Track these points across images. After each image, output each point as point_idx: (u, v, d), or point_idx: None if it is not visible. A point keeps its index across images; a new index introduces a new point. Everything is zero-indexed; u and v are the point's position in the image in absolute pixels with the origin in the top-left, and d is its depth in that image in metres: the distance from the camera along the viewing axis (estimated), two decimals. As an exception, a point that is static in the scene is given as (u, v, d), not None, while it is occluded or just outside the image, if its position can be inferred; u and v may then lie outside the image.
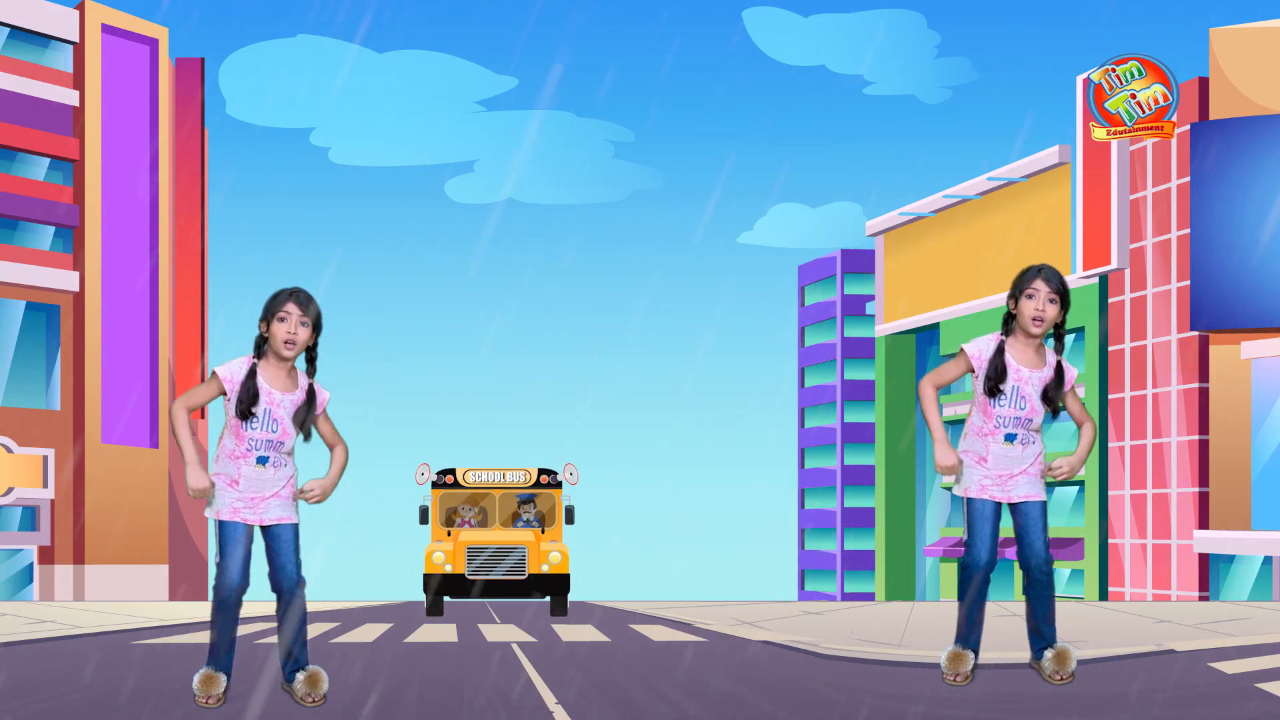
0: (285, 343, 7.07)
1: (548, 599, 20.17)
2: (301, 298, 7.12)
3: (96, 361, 45.44)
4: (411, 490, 20.34)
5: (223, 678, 7.20)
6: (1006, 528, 7.63)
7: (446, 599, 21.28)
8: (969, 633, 7.60)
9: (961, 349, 7.53)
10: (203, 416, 49.31)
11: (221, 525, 7.17)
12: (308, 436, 7.25)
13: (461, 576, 19.54)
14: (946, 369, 7.54)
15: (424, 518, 20.37)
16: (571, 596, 20.56)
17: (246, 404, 7.07)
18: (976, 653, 7.64)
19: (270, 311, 7.11)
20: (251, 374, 7.11)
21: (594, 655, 11.58)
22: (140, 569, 45.46)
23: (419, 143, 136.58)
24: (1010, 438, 7.40)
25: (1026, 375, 7.38)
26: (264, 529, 7.24)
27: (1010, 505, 7.51)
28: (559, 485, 20.57)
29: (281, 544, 7.23)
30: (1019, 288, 7.36)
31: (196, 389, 7.23)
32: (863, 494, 77.28)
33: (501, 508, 20.57)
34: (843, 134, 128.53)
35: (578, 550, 20.24)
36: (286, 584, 7.24)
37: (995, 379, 7.37)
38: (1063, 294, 7.33)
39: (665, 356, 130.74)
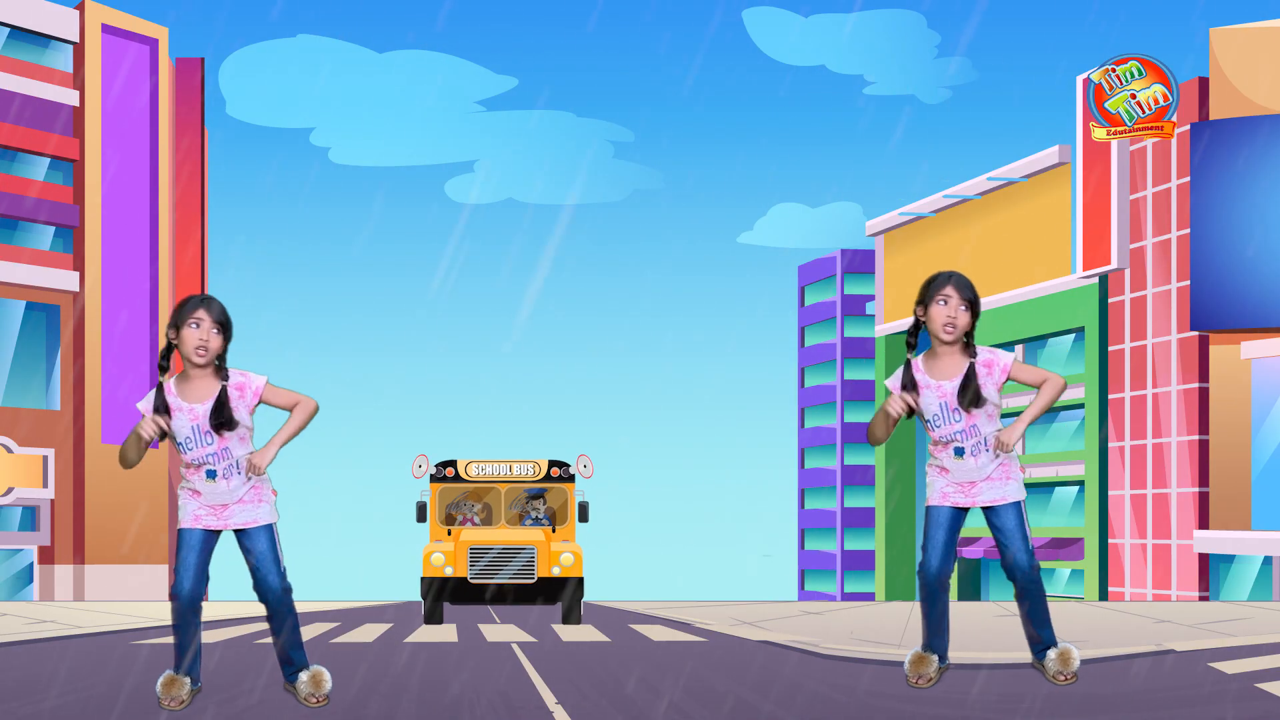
0: (196, 349, 6.93)
1: (559, 605, 18.32)
2: (213, 305, 6.99)
3: (96, 361, 45.43)
4: (410, 486, 18.47)
5: (186, 681, 7.12)
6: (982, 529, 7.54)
7: (447, 605, 19.38)
8: (932, 638, 7.51)
9: (887, 385, 7.36)
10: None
11: (179, 533, 7.14)
12: (230, 427, 7.02)
13: (463, 580, 17.43)
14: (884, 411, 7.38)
15: (421, 515, 18.20)
16: (574, 597, 18.63)
17: (166, 436, 7.04)
18: (942, 656, 7.56)
19: (180, 319, 6.97)
20: (161, 407, 7.00)
21: (594, 655, 11.58)
22: (140, 569, 45.45)
23: (419, 143, 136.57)
24: (959, 452, 7.22)
25: (950, 389, 7.14)
26: (237, 537, 7.16)
27: (984, 511, 7.39)
28: (571, 479, 18.42)
29: (256, 555, 7.12)
30: (930, 294, 7.08)
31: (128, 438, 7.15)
32: (863, 494, 77.27)
33: (508, 504, 18.53)
34: (843, 134, 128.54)
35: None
36: (270, 596, 7.15)
37: (911, 411, 7.20)
38: (974, 303, 7.07)
39: (665, 357, 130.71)
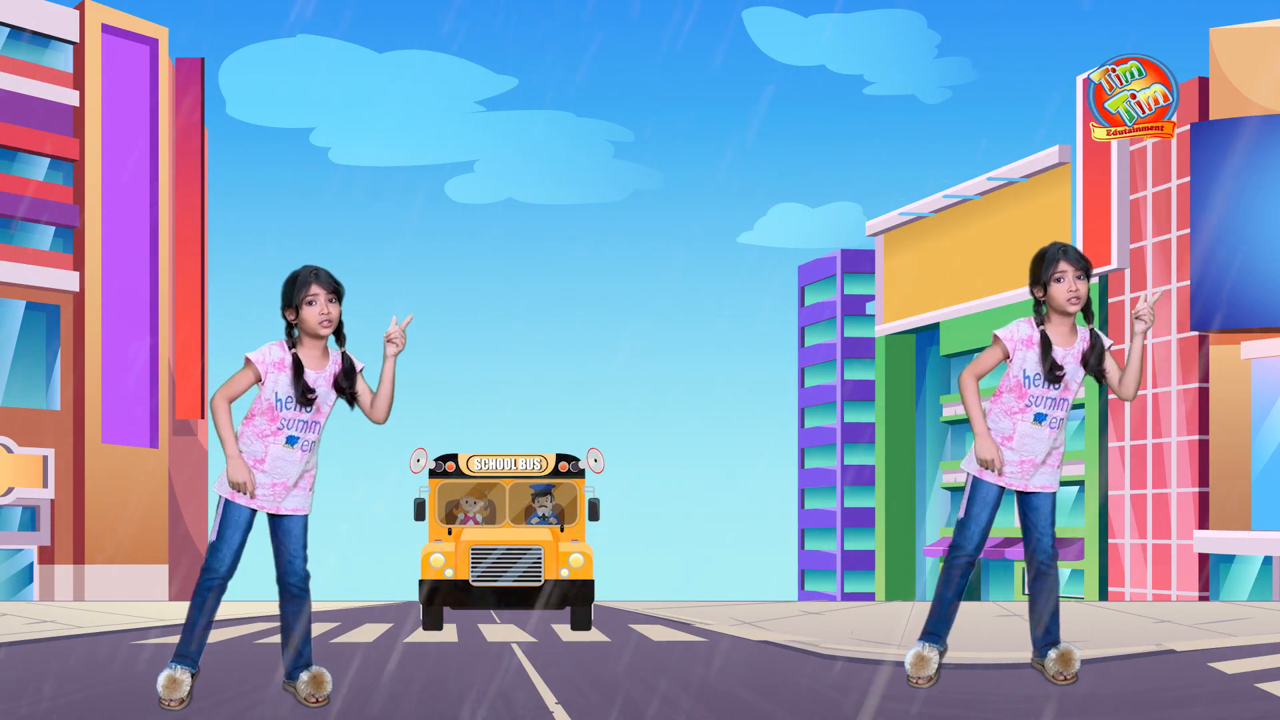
0: (322, 323, 7.07)
1: (568, 610, 16.82)
2: (324, 277, 7.11)
3: (96, 361, 45.43)
4: (408, 482, 16.95)
5: (187, 679, 7.11)
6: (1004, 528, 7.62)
7: (447, 610, 18.05)
8: (939, 623, 7.53)
9: (995, 336, 7.49)
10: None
11: (227, 505, 7.11)
12: (352, 402, 7.23)
13: (465, 583, 15.98)
14: (984, 358, 7.53)
15: (420, 513, 16.66)
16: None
17: (300, 398, 7.10)
18: (943, 650, 7.58)
19: (296, 297, 7.08)
20: (298, 370, 7.10)
21: (594, 655, 11.59)
22: (140, 569, 45.45)
23: (419, 143, 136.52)
24: (1040, 418, 7.40)
25: (1063, 354, 7.41)
26: (273, 520, 7.19)
27: (1020, 495, 7.51)
28: (581, 474, 16.90)
29: (290, 537, 7.19)
30: (1046, 274, 7.32)
31: (234, 379, 7.15)
32: (863, 494, 77.25)
33: (512, 501, 17.04)
34: (843, 134, 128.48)
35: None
36: (293, 579, 7.19)
37: (1052, 371, 7.37)
38: (1087, 268, 7.36)
39: (665, 357, 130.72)
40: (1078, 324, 7.47)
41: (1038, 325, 7.42)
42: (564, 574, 16.02)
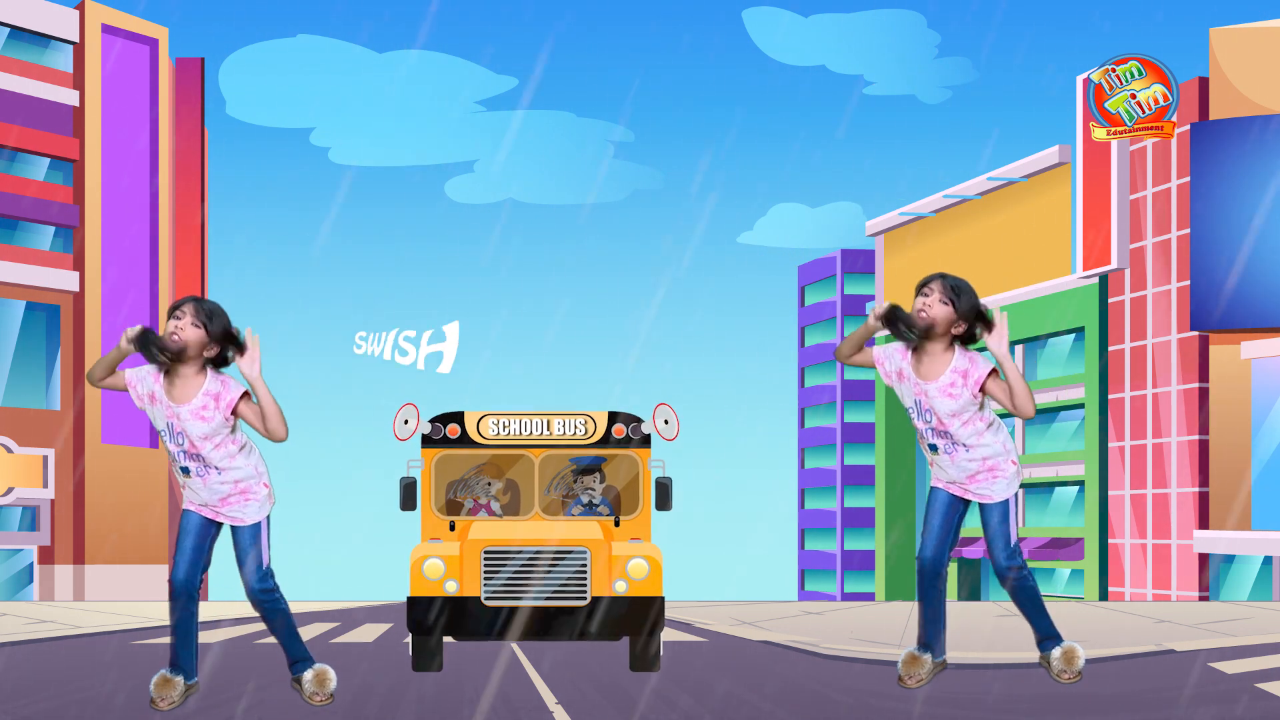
0: (171, 334, 7.01)
1: (625, 640, 12.01)
2: (202, 303, 7.07)
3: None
4: (398, 456, 11.68)
5: (180, 681, 7.13)
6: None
7: (449, 641, 12.08)
8: (928, 633, 7.45)
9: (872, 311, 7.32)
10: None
11: (181, 515, 7.22)
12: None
13: (475, 602, 10.44)
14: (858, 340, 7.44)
15: (408, 499, 11.37)
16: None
17: (168, 431, 7.08)
18: (936, 655, 7.50)
19: (169, 312, 7.11)
20: (149, 380, 7.10)
21: (594, 655, 11.57)
22: (140, 569, 45.43)
23: (419, 143, 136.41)
24: (933, 449, 7.34)
25: (925, 388, 7.21)
26: (231, 529, 7.23)
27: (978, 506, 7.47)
28: (646, 442, 11.59)
29: (239, 548, 7.20)
30: (918, 288, 7.24)
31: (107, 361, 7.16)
32: (863, 494, 77.26)
33: (544, 481, 11.62)
34: (843, 134, 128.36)
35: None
36: (248, 590, 7.24)
37: (918, 406, 7.27)
38: (956, 300, 7.11)
39: (664, 356, 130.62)
40: (958, 352, 7.19)
41: (910, 350, 7.25)
42: (620, 588, 10.78)
